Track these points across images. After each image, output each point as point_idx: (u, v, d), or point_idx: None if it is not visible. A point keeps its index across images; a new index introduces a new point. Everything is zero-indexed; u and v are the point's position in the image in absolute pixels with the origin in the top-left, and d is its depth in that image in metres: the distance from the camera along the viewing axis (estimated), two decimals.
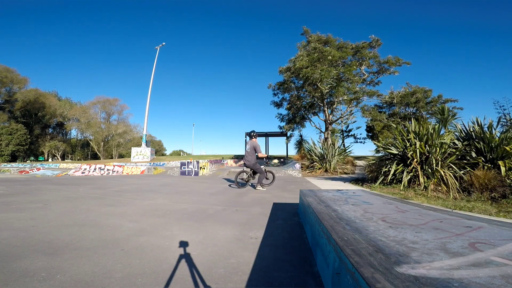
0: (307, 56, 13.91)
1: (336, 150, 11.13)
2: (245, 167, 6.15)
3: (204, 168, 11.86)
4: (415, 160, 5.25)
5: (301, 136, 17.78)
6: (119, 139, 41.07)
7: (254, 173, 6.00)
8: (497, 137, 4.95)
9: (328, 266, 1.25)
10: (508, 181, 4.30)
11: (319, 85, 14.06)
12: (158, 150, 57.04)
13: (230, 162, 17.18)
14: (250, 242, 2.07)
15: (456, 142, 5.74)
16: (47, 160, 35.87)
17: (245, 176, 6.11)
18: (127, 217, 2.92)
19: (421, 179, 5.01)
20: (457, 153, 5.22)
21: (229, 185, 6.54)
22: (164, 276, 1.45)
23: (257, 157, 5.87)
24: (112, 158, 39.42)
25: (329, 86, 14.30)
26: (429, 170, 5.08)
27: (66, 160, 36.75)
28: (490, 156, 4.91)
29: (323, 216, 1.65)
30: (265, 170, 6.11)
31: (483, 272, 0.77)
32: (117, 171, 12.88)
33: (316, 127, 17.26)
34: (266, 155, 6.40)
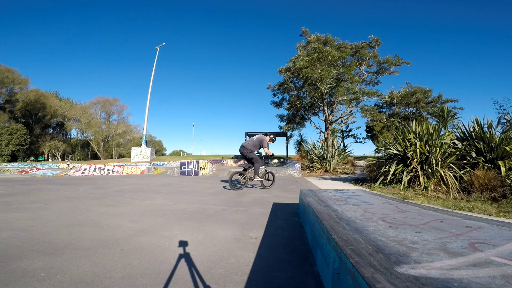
0: (307, 56, 13.93)
1: (336, 150, 11.14)
2: (244, 165, 5.90)
3: (204, 168, 11.86)
4: (415, 160, 5.25)
5: (301, 136, 17.79)
6: (119, 139, 41.13)
7: (251, 164, 5.67)
8: (497, 137, 4.95)
9: (328, 266, 1.25)
10: (508, 181, 4.30)
11: (319, 85, 14.07)
12: (158, 150, 57.00)
13: (230, 162, 17.18)
14: (250, 242, 2.07)
15: (456, 142, 5.74)
16: (47, 160, 35.85)
17: (240, 178, 5.64)
18: (127, 217, 2.92)
19: (421, 179, 5.01)
20: (457, 153, 5.22)
21: (224, 187, 6.09)
22: (164, 276, 1.45)
23: (263, 156, 5.68)
24: (112, 158, 39.39)
25: (329, 86, 14.32)
26: (429, 170, 5.08)
27: (66, 160, 36.74)
28: (490, 156, 4.91)
29: (323, 216, 1.65)
30: (266, 171, 5.93)
31: (483, 272, 0.77)
32: (117, 171, 12.88)
33: (316, 127, 17.29)
34: (272, 153, 6.22)
